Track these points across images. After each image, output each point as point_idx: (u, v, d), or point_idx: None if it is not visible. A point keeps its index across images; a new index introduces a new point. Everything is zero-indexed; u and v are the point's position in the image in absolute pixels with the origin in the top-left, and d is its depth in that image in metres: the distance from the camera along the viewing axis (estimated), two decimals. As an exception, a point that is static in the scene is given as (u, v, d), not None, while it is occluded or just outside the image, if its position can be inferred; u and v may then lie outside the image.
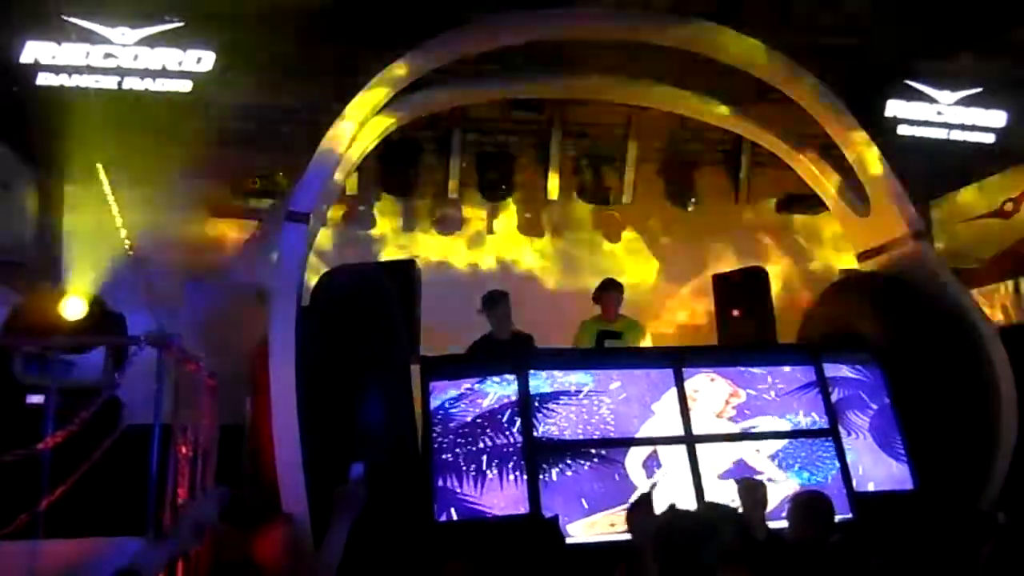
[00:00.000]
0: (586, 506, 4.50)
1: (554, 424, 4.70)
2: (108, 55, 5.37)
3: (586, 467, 4.61)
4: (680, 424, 4.85)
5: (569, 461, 4.60)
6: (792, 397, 5.13)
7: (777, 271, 8.05)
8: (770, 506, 3.68)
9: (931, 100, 6.60)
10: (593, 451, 4.66)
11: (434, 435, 4.61)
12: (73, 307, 5.62)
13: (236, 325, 5.93)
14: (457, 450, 4.58)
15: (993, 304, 7.66)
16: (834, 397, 5.18)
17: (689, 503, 4.21)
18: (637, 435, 4.78)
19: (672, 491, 4.52)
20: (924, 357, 5.16)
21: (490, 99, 6.76)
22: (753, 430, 4.96)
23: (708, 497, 4.54)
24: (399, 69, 5.21)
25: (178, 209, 7.11)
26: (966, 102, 6.65)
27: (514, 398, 4.73)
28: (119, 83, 5.44)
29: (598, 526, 4.46)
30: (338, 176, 5.57)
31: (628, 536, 3.19)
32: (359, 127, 5.23)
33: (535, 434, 4.61)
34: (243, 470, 5.06)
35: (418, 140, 7.62)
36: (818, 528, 3.41)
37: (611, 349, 5.91)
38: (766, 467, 4.84)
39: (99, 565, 3.57)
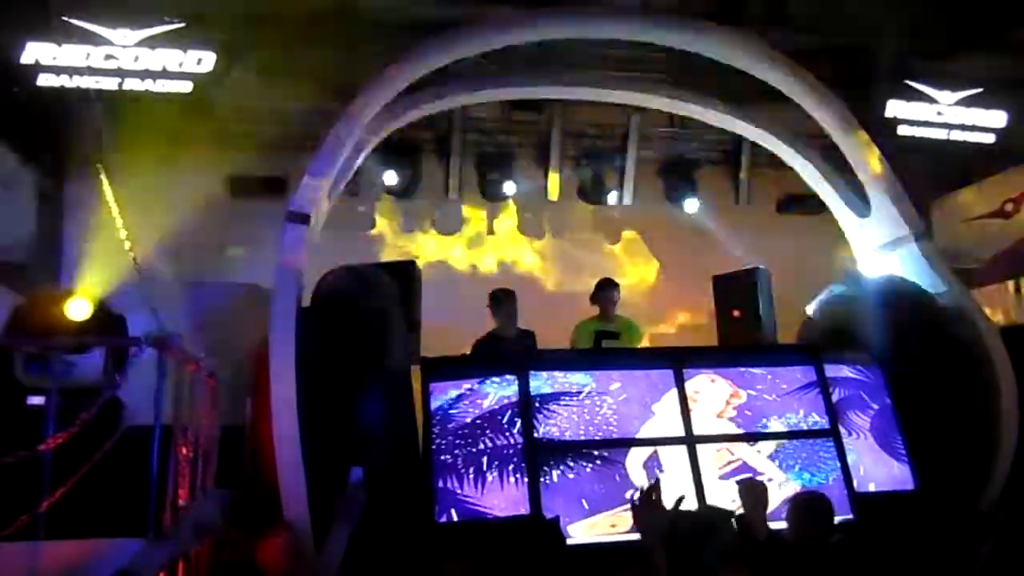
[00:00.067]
0: (587, 507, 4.48)
1: (555, 425, 4.68)
2: (109, 56, 5.39)
3: (587, 468, 4.60)
4: (681, 425, 4.83)
5: (570, 462, 4.58)
6: (793, 397, 5.12)
7: (777, 271, 8.05)
8: (771, 506, 3.68)
9: (931, 100, 6.61)
10: (594, 452, 4.65)
11: (434, 436, 4.60)
12: (78, 309, 5.63)
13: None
14: (457, 451, 4.57)
15: (993, 304, 7.66)
16: (835, 397, 5.17)
17: (690, 504, 4.21)
18: (638, 436, 4.76)
19: (672, 492, 4.49)
20: (925, 357, 5.15)
21: (490, 100, 6.77)
22: (754, 430, 4.95)
23: (709, 498, 4.54)
24: (399, 70, 5.21)
25: (178, 209, 7.12)
26: (966, 102, 6.67)
27: (514, 399, 4.71)
28: (120, 84, 5.46)
29: (599, 527, 4.44)
30: (338, 176, 5.57)
31: (630, 537, 3.17)
32: (359, 127, 5.23)
33: (535, 435, 4.59)
34: (243, 470, 5.06)
35: (418, 140, 7.64)
36: (818, 528, 3.41)
37: (611, 350, 5.90)
38: (767, 467, 4.83)
39: (99, 566, 3.57)
